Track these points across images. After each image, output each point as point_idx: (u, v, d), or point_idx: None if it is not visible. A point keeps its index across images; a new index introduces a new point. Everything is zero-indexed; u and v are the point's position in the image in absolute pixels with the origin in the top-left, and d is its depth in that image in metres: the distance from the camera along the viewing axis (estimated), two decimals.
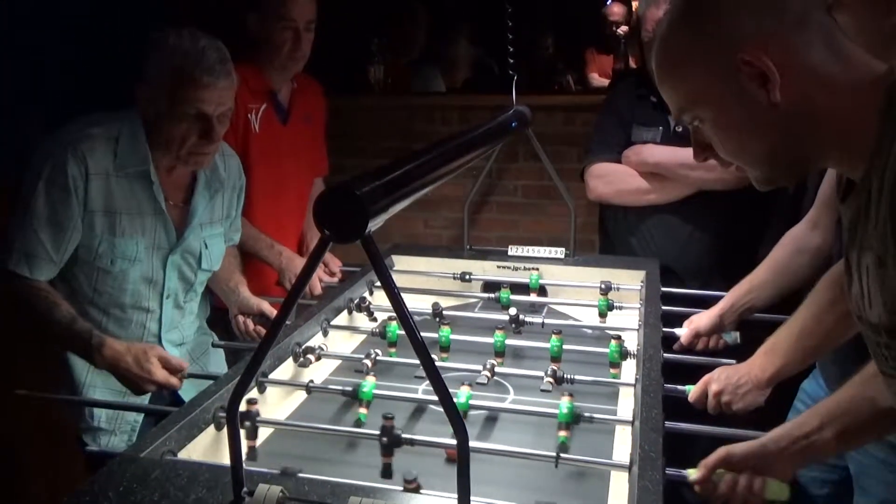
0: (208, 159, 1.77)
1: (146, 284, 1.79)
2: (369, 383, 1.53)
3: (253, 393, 1.60)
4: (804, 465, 1.28)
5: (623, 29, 4.58)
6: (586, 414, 1.41)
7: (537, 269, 2.27)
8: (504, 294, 2.12)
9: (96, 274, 1.73)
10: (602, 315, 2.03)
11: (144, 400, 1.73)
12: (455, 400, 1.43)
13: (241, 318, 1.93)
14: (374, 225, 0.96)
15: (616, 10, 4.64)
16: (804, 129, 0.93)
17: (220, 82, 1.64)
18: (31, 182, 1.64)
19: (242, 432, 1.32)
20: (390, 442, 1.28)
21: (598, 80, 4.70)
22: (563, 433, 1.39)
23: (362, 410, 1.50)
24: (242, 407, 1.33)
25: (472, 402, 1.48)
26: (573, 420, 1.40)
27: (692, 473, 1.27)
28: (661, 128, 2.36)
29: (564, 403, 1.41)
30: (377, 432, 1.29)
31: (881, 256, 0.87)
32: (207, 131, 1.67)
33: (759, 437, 1.27)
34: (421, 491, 1.15)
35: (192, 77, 1.61)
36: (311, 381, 1.61)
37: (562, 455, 1.28)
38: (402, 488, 1.16)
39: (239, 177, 2.00)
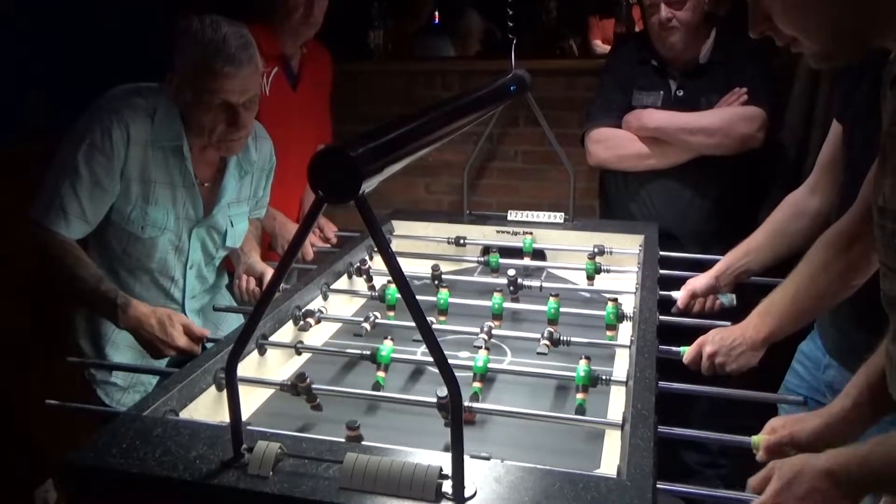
0: (239, 145, 1.78)
1: (173, 254, 1.83)
2: (387, 347, 1.53)
3: (293, 362, 1.64)
4: (867, 429, 1.24)
5: None
6: (603, 377, 1.42)
7: (531, 234, 2.28)
8: (493, 258, 2.13)
9: (127, 238, 1.77)
10: (590, 278, 2.04)
11: (162, 364, 1.75)
12: (473, 364, 1.47)
13: (244, 278, 1.95)
14: (368, 186, 0.97)
15: None
16: None
17: (243, 70, 1.65)
18: (75, 144, 1.66)
19: (303, 398, 1.37)
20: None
21: (602, 46, 4.63)
22: (580, 395, 1.40)
23: (380, 374, 1.50)
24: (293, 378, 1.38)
25: (468, 363, 1.50)
26: (590, 382, 1.41)
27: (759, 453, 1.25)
28: (661, 92, 2.36)
29: (582, 367, 1.43)
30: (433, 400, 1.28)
31: None
32: (234, 119, 1.69)
33: (816, 413, 1.25)
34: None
35: (213, 67, 1.62)
36: (365, 352, 1.56)
37: (556, 415, 1.30)
38: (343, 438, 1.20)
39: (269, 159, 2.02)
